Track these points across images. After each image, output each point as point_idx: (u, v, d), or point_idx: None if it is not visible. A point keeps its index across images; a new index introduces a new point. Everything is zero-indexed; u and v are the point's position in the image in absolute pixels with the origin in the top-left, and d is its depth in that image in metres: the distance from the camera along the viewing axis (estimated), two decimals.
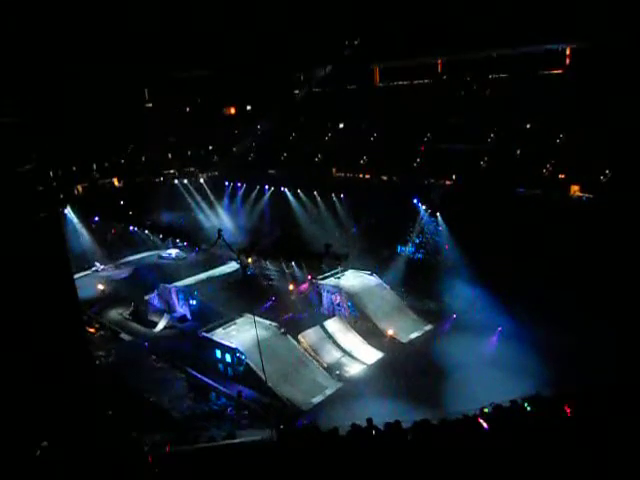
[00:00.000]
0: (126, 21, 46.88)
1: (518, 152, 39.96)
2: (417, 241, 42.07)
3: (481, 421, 11.54)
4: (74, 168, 50.27)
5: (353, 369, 29.26)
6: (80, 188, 50.64)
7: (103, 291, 40.28)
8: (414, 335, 32.36)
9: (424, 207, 41.22)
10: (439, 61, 50.54)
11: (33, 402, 14.57)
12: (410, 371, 27.17)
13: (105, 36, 45.96)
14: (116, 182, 53.37)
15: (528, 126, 41.11)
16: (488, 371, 25.43)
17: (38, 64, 38.30)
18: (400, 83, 53.20)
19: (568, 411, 11.41)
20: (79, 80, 46.53)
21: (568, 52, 43.07)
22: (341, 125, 53.80)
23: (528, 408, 12.08)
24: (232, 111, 63.76)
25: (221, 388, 27.56)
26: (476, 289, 32.64)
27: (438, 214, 40.44)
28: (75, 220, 46.10)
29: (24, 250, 12.80)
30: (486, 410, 12.13)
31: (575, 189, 35.93)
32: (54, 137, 39.43)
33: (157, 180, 54.98)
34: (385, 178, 45.60)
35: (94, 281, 41.60)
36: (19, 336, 13.79)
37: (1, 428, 13.62)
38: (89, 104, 48.06)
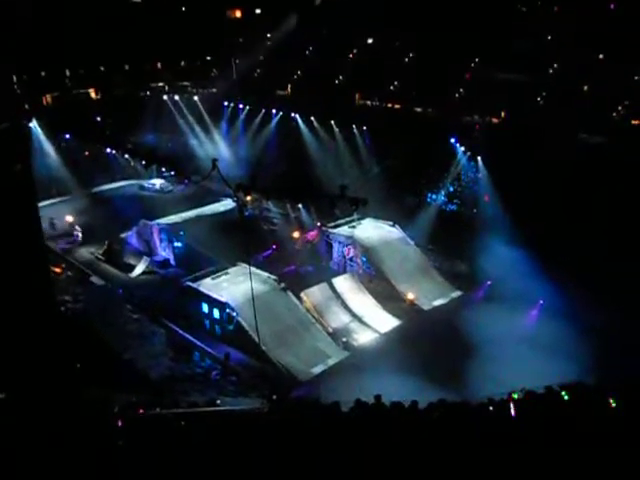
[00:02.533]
0: None
1: (585, 88, 39.05)
2: (451, 189, 41.84)
3: (511, 407, 11.75)
4: (43, 73, 49.83)
5: (363, 337, 29.67)
6: (49, 98, 50.33)
7: (72, 224, 40.61)
8: (439, 302, 32.60)
9: (463, 148, 40.73)
10: None
11: None
12: (431, 344, 27.49)
13: None
14: (93, 94, 52.92)
15: (601, 56, 39.98)
16: (523, 350, 25.60)
17: None
18: None
19: (612, 404, 11.57)
20: None
21: None
22: (369, 40, 52.56)
23: (566, 397, 12.25)
24: (237, 14, 62.31)
25: (206, 348, 28.12)
26: (517, 252, 32.52)
27: (479, 158, 39.97)
28: (42, 136, 46.01)
29: None
30: (516, 395, 12.33)
31: None
32: (19, 33, 38.82)
33: (142, 94, 54.43)
34: (418, 110, 44.94)
35: (62, 212, 41.83)
36: None
37: None
38: None
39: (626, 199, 30.71)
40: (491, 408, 12.26)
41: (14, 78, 41.31)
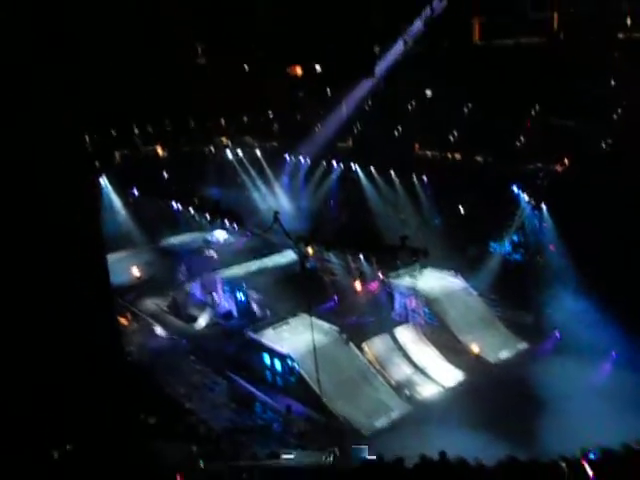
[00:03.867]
0: None
1: None
2: (515, 238, 41.03)
3: (586, 467, 11.20)
4: (113, 132, 52.06)
5: (427, 390, 29.04)
6: (119, 155, 52.40)
7: (138, 277, 41.64)
8: (505, 354, 31.72)
9: (526, 197, 40.10)
10: (555, 15, 48.63)
11: (55, 399, 15.29)
12: (498, 398, 26.62)
13: None
14: (160, 150, 54.85)
15: None
16: (597, 405, 24.50)
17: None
18: (504, 42, 51.61)
19: None
20: (125, 31, 47.87)
21: None
22: (428, 92, 52.98)
23: None
24: (298, 71, 63.95)
25: (268, 400, 28.03)
26: (586, 302, 31.47)
27: (544, 206, 39.24)
28: (111, 193, 47.80)
29: (52, 225, 13.36)
30: (592, 455, 11.75)
31: None
32: (93, 94, 40.83)
33: (207, 150, 56.11)
34: (479, 159, 44.66)
35: (128, 264, 43.01)
36: (42, 323, 14.45)
37: (19, 426, 14.40)
38: (135, 59, 49.40)
39: None
40: (564, 465, 11.69)
41: (86, 137, 43.38)
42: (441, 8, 53.04)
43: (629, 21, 42.95)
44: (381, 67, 54.87)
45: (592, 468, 10.99)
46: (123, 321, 35.48)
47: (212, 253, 45.73)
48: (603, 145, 39.76)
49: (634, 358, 27.90)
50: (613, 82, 41.97)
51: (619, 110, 40.75)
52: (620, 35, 43.88)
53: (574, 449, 12.13)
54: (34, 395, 14.94)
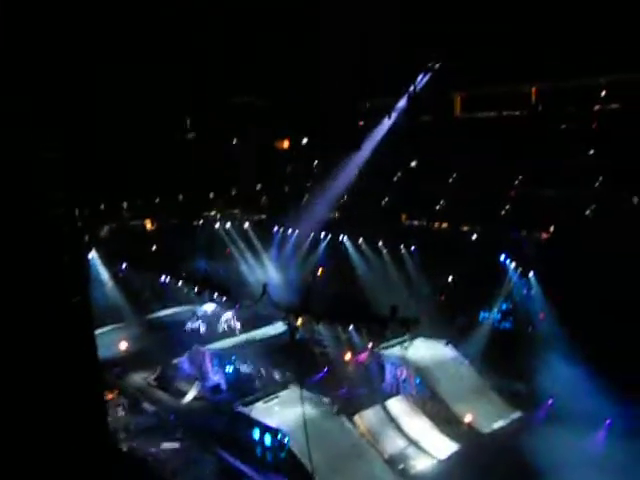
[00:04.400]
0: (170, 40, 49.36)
1: (635, 200, 38.97)
2: (504, 307, 41.22)
3: None
4: (102, 207, 52.57)
5: (421, 463, 28.48)
6: (107, 230, 52.75)
7: (126, 350, 41.22)
8: (498, 424, 31.37)
9: (514, 265, 40.54)
10: (533, 89, 50.47)
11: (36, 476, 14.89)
12: (493, 470, 26.18)
13: (143, 57, 48.40)
14: (149, 224, 55.28)
15: None
16: (592, 476, 24.15)
17: (74, 88, 40.71)
18: (485, 115, 53.31)
19: None
20: (113, 106, 49.01)
21: None
22: (413, 163, 54.25)
23: None
24: (285, 145, 65.45)
25: (257, 477, 27.34)
26: (578, 370, 31.35)
27: (531, 274, 39.63)
28: (99, 266, 47.82)
29: (39, 298, 13.35)
30: None
31: None
32: (83, 171, 41.47)
33: (195, 223, 56.66)
34: (466, 229, 45.32)
35: (116, 338, 42.64)
36: (25, 400, 14.23)
37: None
38: (123, 134, 50.43)
39: None
40: None
41: (76, 212, 43.74)
42: (423, 83, 55.05)
43: (603, 93, 44.68)
44: (367, 140, 56.40)
45: None
46: (110, 395, 34.84)
47: (200, 326, 45.51)
48: (587, 212, 40.54)
49: (628, 426, 27.73)
50: (592, 151, 43.21)
51: (600, 178, 41.80)
52: (596, 106, 45.52)
53: None
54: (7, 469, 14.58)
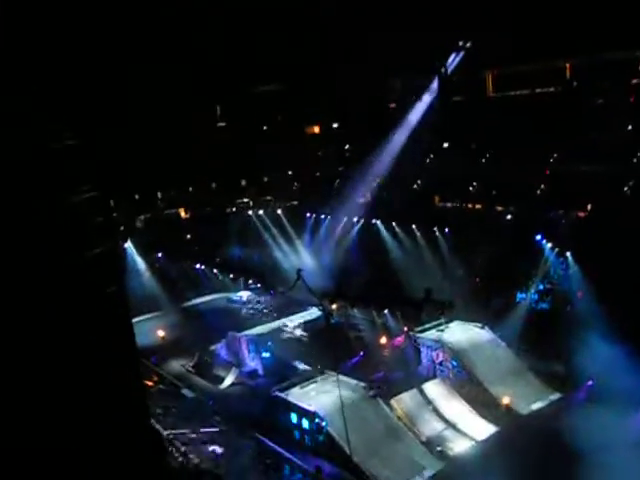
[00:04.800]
0: (196, 31, 49.55)
1: None
2: (541, 287, 40.71)
3: None
4: (137, 197, 53.27)
5: (459, 445, 28.45)
6: (143, 219, 53.49)
7: (163, 338, 41.86)
8: (537, 405, 31.14)
9: (550, 245, 39.97)
10: (567, 65, 49.36)
11: (82, 465, 15.26)
12: (533, 452, 25.98)
13: (173, 48, 48.71)
14: (183, 213, 55.88)
15: None
16: (634, 456, 23.81)
17: (100, 77, 41.20)
18: (518, 93, 52.37)
19: None
20: (144, 98, 49.48)
21: None
22: (445, 144, 53.65)
23: None
24: (316, 130, 65.30)
25: (296, 460, 27.58)
26: (618, 349, 30.84)
27: (568, 254, 39.04)
28: (136, 256, 48.58)
29: (79, 290, 13.62)
30: None
31: None
32: (117, 162, 42.08)
33: (229, 211, 57.09)
34: (500, 209, 44.79)
35: (154, 326, 43.31)
36: (67, 388, 14.58)
37: None
38: (155, 124, 50.92)
39: None
40: None
41: (111, 202, 44.48)
42: (455, 63, 54.29)
43: None
44: (399, 122, 55.93)
45: None
46: (149, 383, 35.49)
47: (237, 312, 46.02)
48: (625, 188, 39.70)
49: None
50: (630, 126, 42.23)
51: (638, 153, 40.85)
52: (634, 80, 44.33)
53: None
54: (52, 461, 14.95)
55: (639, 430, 27.05)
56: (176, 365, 38.72)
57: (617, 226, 36.42)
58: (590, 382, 31.37)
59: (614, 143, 41.59)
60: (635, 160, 40.94)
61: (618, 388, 28.72)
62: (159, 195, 55.34)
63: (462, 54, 55.16)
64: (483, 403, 31.25)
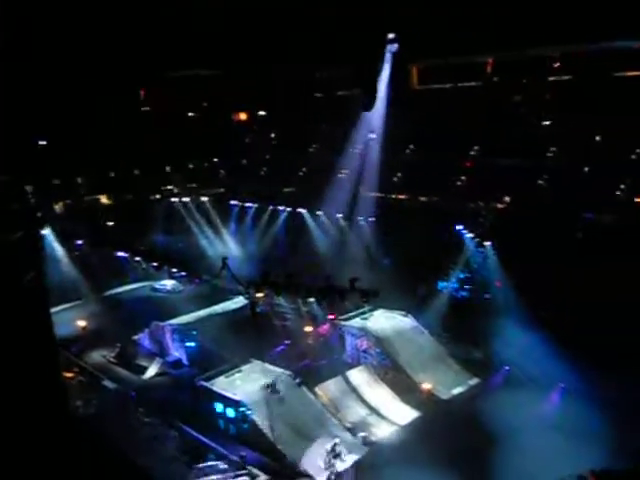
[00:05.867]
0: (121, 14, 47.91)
1: (586, 169, 39.70)
2: (461, 276, 41.79)
3: None
4: (56, 182, 51.27)
5: (382, 431, 28.89)
6: (62, 205, 51.55)
7: (84, 328, 40.59)
8: (457, 390, 31.96)
9: (470, 235, 41.03)
10: (489, 60, 50.66)
11: None
12: (453, 435, 26.69)
13: (95, 29, 46.94)
14: (104, 199, 54.21)
15: (598, 138, 40.92)
16: (548, 437, 24.86)
17: (19, 59, 39.28)
18: (442, 86, 53.39)
19: None
20: (64, 81, 47.54)
21: None
22: (372, 135, 54.07)
23: None
24: (242, 117, 64.58)
25: (221, 450, 27.34)
26: (533, 336, 32.20)
27: (487, 244, 40.19)
28: (54, 243, 46.77)
29: None
30: None
31: None
32: (33, 146, 40.33)
33: (152, 198, 55.77)
34: (424, 199, 45.62)
35: (74, 316, 41.91)
36: None
37: None
38: (75, 106, 49.02)
39: (635, 277, 30.62)
40: None
41: (28, 188, 42.56)
42: (380, 55, 54.56)
43: (557, 64, 45.15)
44: (326, 112, 55.99)
45: None
46: (68, 375, 34.33)
47: (162, 301, 45.06)
48: (540, 181, 41.16)
49: (581, 388, 28.54)
50: (546, 122, 43.84)
51: (553, 149, 42.45)
52: (551, 78, 45.95)
53: None
54: None
55: (552, 412, 28.24)
56: (97, 356, 37.60)
57: (533, 218, 37.78)
58: (507, 367, 32.54)
59: (531, 138, 43.06)
60: (550, 154, 42.50)
61: (533, 373, 30.06)
62: (79, 181, 53.42)
63: (390, 47, 55.54)
64: (406, 389, 31.81)
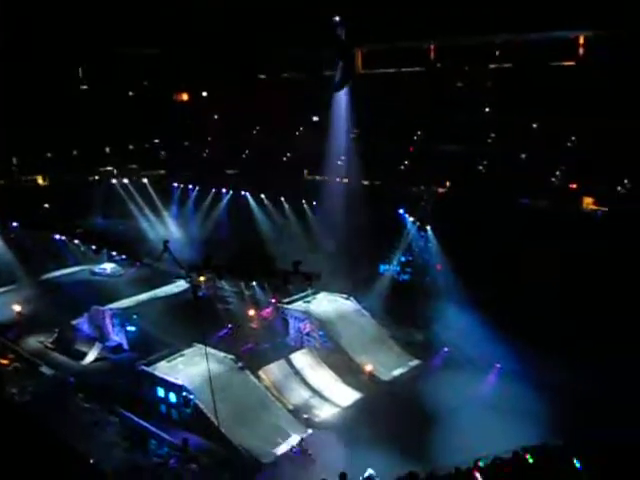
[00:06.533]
0: None
1: (523, 156, 40.74)
2: (403, 259, 42.41)
3: (477, 475, 11.66)
4: None
5: (324, 412, 29.22)
6: None
7: (20, 313, 39.50)
8: (398, 372, 32.52)
9: (412, 219, 41.62)
10: (432, 46, 51.19)
11: None
12: (393, 415, 27.19)
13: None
14: (40, 180, 52.59)
15: (535, 125, 42.02)
16: (485, 416, 25.65)
17: None
18: (386, 71, 53.66)
19: (578, 465, 11.58)
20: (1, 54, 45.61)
21: (582, 41, 44.22)
22: (315, 118, 54.06)
23: (531, 460, 12.22)
24: (184, 97, 63.44)
25: (163, 435, 27.15)
26: (471, 318, 33.03)
27: (428, 228, 40.89)
28: None
29: None
30: (482, 463, 12.25)
31: (588, 201, 36.86)
32: None
33: (91, 179, 54.39)
34: (366, 183, 45.95)
35: (9, 301, 40.71)
36: None
37: None
38: (11, 83, 47.10)
39: (569, 260, 31.74)
40: (459, 477, 12.12)
41: None
42: (326, 38, 54.36)
43: (498, 52, 46.01)
44: (271, 94, 55.52)
45: (483, 476, 11.44)
46: (3, 361, 33.43)
47: (101, 285, 44.20)
48: (480, 167, 42.03)
49: (517, 368, 29.54)
50: (486, 109, 44.73)
51: (493, 135, 43.39)
52: (491, 65, 46.81)
53: (466, 459, 12.58)
54: None
55: (489, 393, 29.12)
56: (34, 342, 36.61)
57: (473, 202, 38.60)
58: (446, 349, 33.33)
59: (472, 124, 43.84)
60: (489, 141, 43.41)
61: (471, 354, 30.90)
62: (14, 161, 51.59)
63: (335, 30, 55.31)
64: (348, 371, 32.22)
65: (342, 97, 47.55)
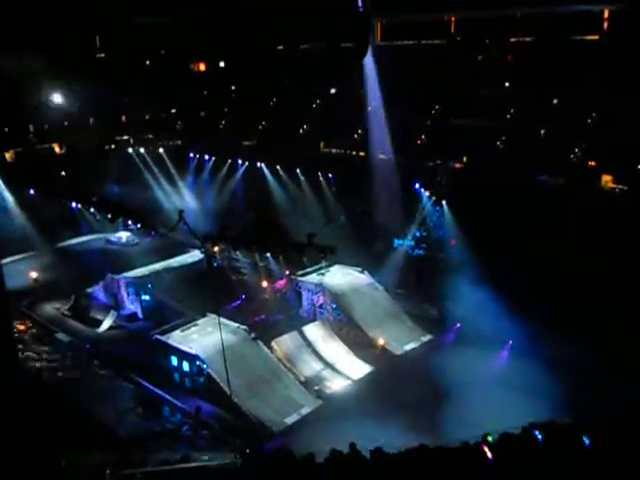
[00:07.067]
0: None
1: (542, 132, 40.20)
2: (417, 234, 42.25)
3: (485, 450, 11.70)
4: (5, 129, 49.58)
5: (336, 384, 29.48)
6: (12, 154, 49.98)
7: (36, 280, 39.95)
8: (410, 346, 32.65)
9: (427, 194, 41.38)
10: (452, 18, 50.38)
11: None
12: (404, 389, 27.36)
13: None
14: (57, 148, 52.71)
15: (555, 101, 41.39)
16: (496, 392, 25.78)
17: None
18: (405, 43, 52.98)
19: (588, 442, 11.57)
20: (20, 25, 45.51)
21: (606, 15, 43.32)
22: (332, 90, 53.59)
23: (540, 437, 12.23)
24: (201, 67, 63.07)
25: (176, 402, 27.57)
26: (485, 294, 32.87)
27: (444, 203, 40.64)
28: (5, 192, 45.53)
29: None
30: (491, 438, 12.27)
31: (607, 179, 36.33)
32: None
33: (107, 148, 54.44)
34: (383, 157, 45.64)
35: (26, 268, 41.13)
36: None
37: None
38: (29, 51, 47.06)
39: (585, 239, 31.46)
40: (467, 451, 12.17)
41: None
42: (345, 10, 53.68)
43: (519, 26, 45.22)
44: (287, 67, 55.06)
45: (491, 451, 11.49)
46: (20, 327, 33.92)
47: (116, 253, 44.55)
48: (498, 143, 41.57)
49: (529, 345, 29.57)
50: (506, 84, 44.08)
51: (512, 110, 42.81)
52: (512, 39, 46.05)
53: (476, 434, 12.63)
54: None
55: (500, 369, 29.19)
56: (50, 309, 37.11)
57: (489, 178, 38.24)
58: (459, 324, 33.34)
59: (491, 98, 43.25)
60: (508, 116, 42.86)
61: (483, 330, 30.87)
62: (31, 129, 51.70)
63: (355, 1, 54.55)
64: (360, 344, 32.41)
65: (367, 68, 47.15)
